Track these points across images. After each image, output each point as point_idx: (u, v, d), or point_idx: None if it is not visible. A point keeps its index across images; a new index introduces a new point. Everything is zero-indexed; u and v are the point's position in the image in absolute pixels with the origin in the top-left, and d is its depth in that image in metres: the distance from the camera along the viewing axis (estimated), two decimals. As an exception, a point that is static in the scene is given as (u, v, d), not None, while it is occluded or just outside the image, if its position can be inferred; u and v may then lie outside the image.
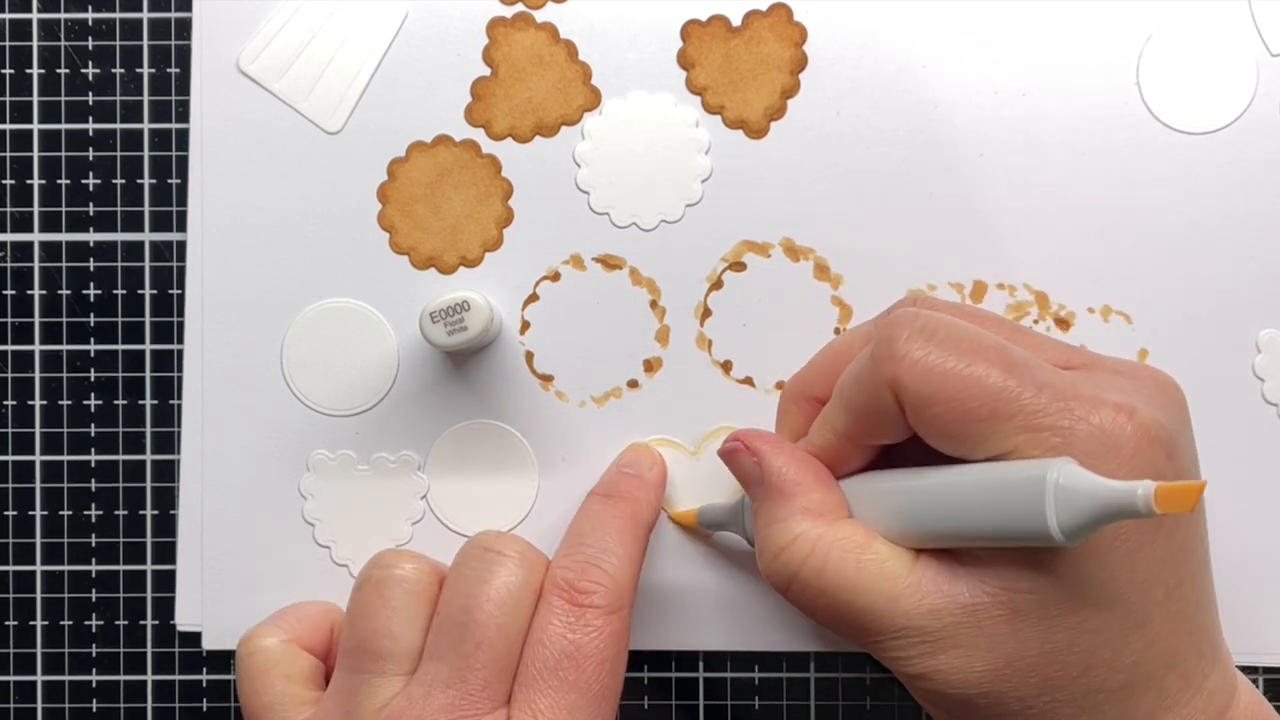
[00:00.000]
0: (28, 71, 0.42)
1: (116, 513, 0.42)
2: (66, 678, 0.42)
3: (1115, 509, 0.27)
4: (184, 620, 0.42)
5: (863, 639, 0.33)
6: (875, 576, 0.32)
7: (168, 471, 0.42)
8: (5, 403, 0.42)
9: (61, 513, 0.42)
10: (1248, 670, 0.42)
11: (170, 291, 0.42)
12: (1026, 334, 0.34)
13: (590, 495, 0.39)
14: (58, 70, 0.42)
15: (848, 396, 0.33)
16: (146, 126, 0.42)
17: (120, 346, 0.42)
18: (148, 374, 0.42)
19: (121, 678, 0.42)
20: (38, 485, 0.42)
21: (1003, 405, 0.30)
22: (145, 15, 0.42)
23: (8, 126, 0.42)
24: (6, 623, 0.42)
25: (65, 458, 0.42)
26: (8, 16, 0.42)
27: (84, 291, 0.42)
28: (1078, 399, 0.30)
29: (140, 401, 0.42)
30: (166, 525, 0.42)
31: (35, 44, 0.42)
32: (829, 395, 0.35)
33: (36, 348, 0.42)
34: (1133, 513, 0.26)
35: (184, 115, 0.42)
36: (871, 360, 0.32)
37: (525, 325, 0.42)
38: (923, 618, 0.31)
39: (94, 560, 0.42)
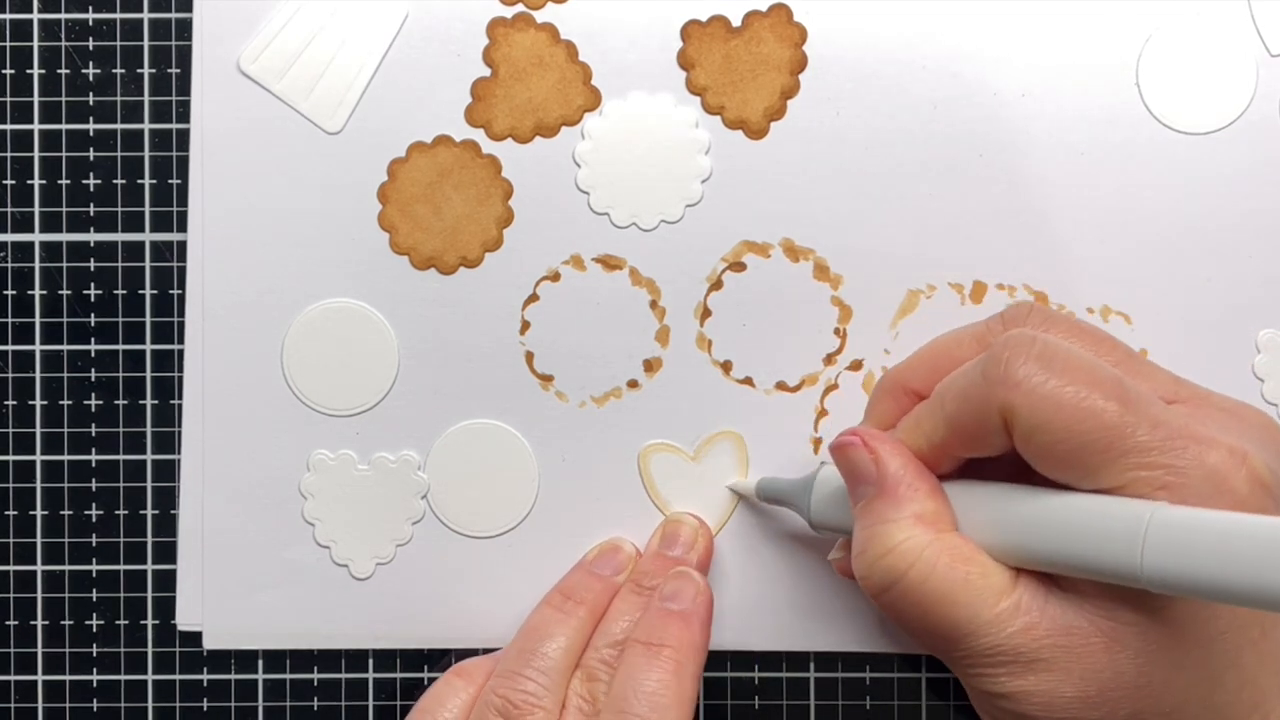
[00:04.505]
0: (28, 72, 0.42)
1: (117, 512, 0.42)
2: (67, 677, 0.42)
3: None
4: (184, 620, 0.42)
5: (952, 652, 0.32)
6: (980, 590, 0.31)
7: (168, 471, 0.42)
8: (6, 403, 0.42)
9: (62, 512, 0.42)
10: (1247, 670, 0.42)
11: (170, 291, 0.42)
12: (1138, 362, 0.34)
13: (631, 641, 0.37)
14: (58, 70, 0.42)
15: (951, 411, 0.33)
16: (147, 127, 0.42)
17: (121, 346, 0.42)
18: (148, 374, 0.42)
19: (122, 677, 0.42)
20: (38, 485, 0.42)
21: (1118, 440, 0.29)
22: (146, 15, 0.42)
23: (8, 127, 0.42)
24: (7, 622, 0.42)
25: (66, 457, 0.42)
26: (8, 17, 0.42)
27: (85, 291, 0.42)
28: (1192, 438, 0.30)
29: (140, 401, 0.42)
30: (167, 525, 0.42)
31: (36, 44, 0.42)
32: (926, 391, 0.35)
33: (37, 348, 0.42)
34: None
35: (184, 115, 0.42)
36: (983, 380, 0.31)
37: (525, 325, 0.42)
38: (1020, 636, 0.31)
39: (94, 560, 0.42)
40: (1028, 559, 0.31)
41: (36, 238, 0.42)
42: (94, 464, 0.42)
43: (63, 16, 0.42)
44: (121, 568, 0.42)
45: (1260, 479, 0.30)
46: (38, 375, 0.42)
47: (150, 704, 0.42)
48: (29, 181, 0.42)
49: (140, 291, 0.42)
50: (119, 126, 0.42)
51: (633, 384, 0.42)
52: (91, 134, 0.42)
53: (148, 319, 0.42)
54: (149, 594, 0.42)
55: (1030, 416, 0.30)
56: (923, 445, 0.34)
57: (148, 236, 0.42)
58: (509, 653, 0.38)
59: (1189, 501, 0.29)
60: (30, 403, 0.42)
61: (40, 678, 0.43)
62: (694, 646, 0.37)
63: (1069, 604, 0.31)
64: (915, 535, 0.32)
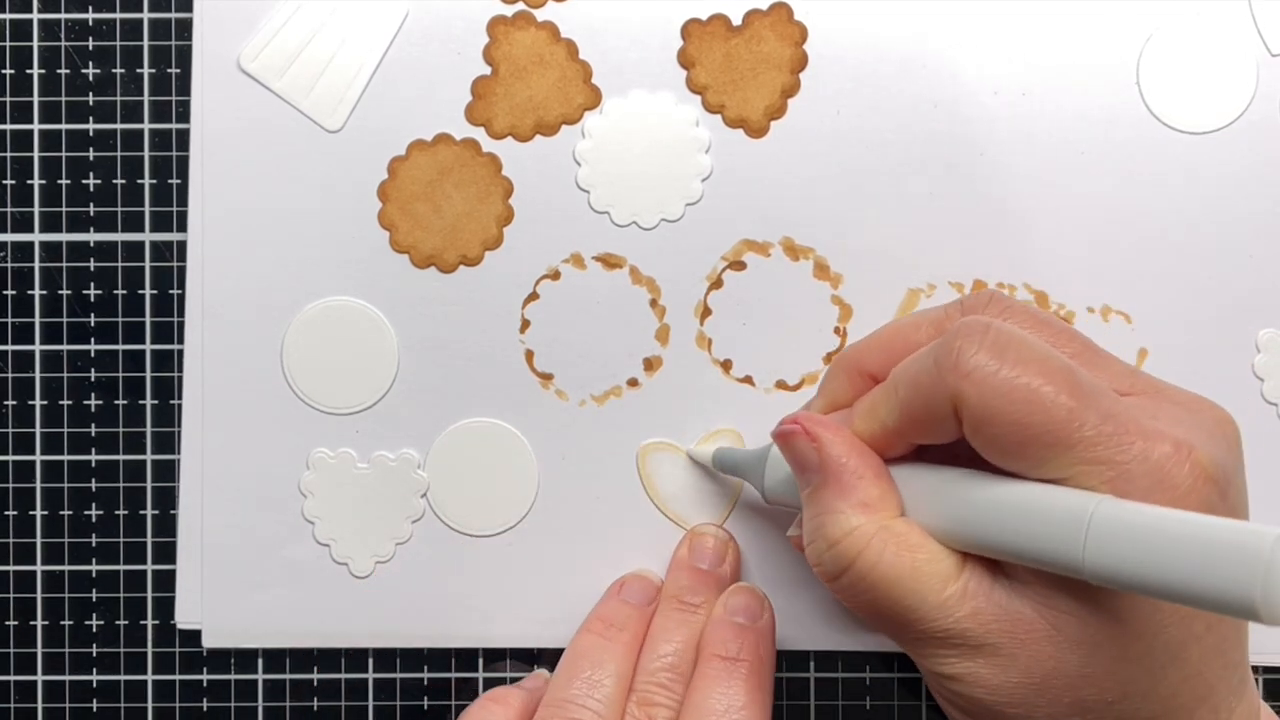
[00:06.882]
0: (28, 72, 0.42)
1: (117, 513, 0.42)
2: (67, 677, 0.42)
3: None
4: (183, 618, 0.42)
5: (903, 635, 0.33)
6: (927, 576, 0.32)
7: (168, 471, 0.42)
8: (6, 403, 0.42)
9: (62, 513, 0.42)
10: (1249, 670, 0.42)
11: (170, 291, 0.42)
12: (1095, 353, 0.34)
13: (708, 655, 0.37)
14: (58, 70, 0.42)
15: (904, 396, 0.32)
16: (147, 126, 0.42)
17: (120, 346, 0.42)
18: (148, 374, 0.42)
19: (121, 678, 0.42)
20: (38, 485, 0.42)
21: (1065, 433, 0.29)
22: (146, 15, 0.42)
23: (8, 126, 0.42)
24: (7, 623, 0.42)
25: (66, 457, 0.42)
26: (8, 17, 0.42)
27: (84, 291, 0.42)
28: (1138, 432, 0.29)
29: (140, 401, 0.42)
30: (166, 525, 0.42)
31: (36, 44, 0.42)
32: (881, 373, 0.34)
33: (37, 348, 0.42)
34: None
35: (184, 115, 0.42)
36: (935, 366, 0.31)
37: (525, 324, 0.42)
38: (967, 621, 0.31)
39: (94, 560, 0.42)
40: (973, 544, 0.31)
41: (36, 238, 0.42)
42: (94, 464, 0.42)
43: (63, 16, 0.42)
44: (121, 568, 0.42)
45: (1205, 472, 0.29)
46: (38, 375, 0.42)
47: (150, 704, 0.42)
48: (29, 181, 0.42)
49: (140, 291, 0.42)
50: (119, 126, 0.42)
51: (633, 383, 0.42)
52: (91, 134, 0.42)
53: (148, 319, 0.42)
54: (149, 594, 0.42)
55: (979, 407, 0.30)
56: (876, 430, 0.34)
57: (148, 236, 0.42)
58: (558, 680, 0.37)
59: (1131, 495, 0.29)
60: (30, 403, 0.42)
61: (40, 678, 0.42)
62: (769, 662, 0.37)
63: (1014, 591, 0.31)
64: (862, 524, 0.32)
